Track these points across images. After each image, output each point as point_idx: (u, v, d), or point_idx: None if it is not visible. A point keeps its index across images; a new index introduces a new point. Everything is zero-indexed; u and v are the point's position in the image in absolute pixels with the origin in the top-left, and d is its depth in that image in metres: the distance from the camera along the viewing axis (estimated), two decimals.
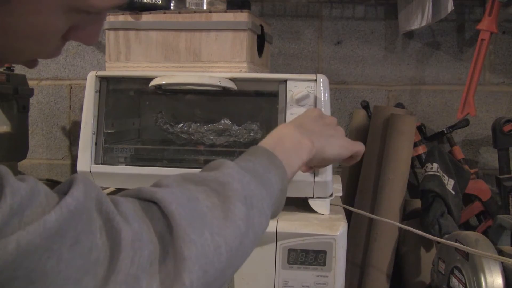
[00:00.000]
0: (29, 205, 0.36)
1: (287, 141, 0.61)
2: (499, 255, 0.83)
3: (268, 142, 0.61)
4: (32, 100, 1.48)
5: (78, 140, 0.94)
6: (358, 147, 0.71)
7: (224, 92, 0.94)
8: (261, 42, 1.09)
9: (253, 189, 0.51)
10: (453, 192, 1.18)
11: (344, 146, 0.69)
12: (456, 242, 0.89)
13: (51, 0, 0.38)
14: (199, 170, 0.80)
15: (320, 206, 0.90)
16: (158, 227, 0.43)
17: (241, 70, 0.97)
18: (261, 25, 1.08)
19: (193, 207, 0.45)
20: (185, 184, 0.49)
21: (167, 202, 0.44)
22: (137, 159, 0.97)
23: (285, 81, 0.90)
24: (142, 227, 0.42)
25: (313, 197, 0.89)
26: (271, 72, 1.20)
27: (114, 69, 1.02)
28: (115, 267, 0.39)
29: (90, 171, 0.93)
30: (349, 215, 1.04)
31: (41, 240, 0.35)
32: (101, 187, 0.96)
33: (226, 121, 0.98)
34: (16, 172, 1.38)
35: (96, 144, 0.94)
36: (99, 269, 0.38)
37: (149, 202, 0.45)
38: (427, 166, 1.21)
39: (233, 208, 0.47)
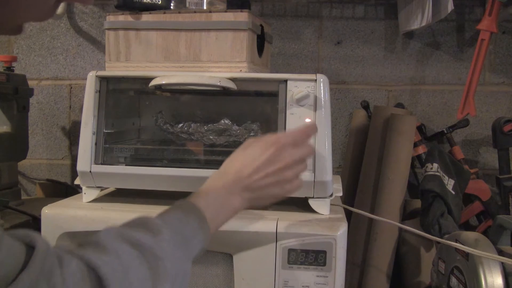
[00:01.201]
0: None
1: (219, 202, 0.65)
2: (499, 255, 0.83)
3: (201, 200, 0.64)
4: (32, 100, 1.48)
5: (78, 140, 0.94)
6: (295, 190, 0.73)
7: (224, 92, 0.94)
8: (261, 42, 1.09)
9: (181, 266, 0.55)
10: (453, 192, 1.18)
11: (276, 197, 0.72)
12: (456, 242, 0.89)
13: None
14: (199, 170, 0.79)
15: (320, 206, 0.90)
16: None
17: (241, 70, 0.97)
18: (261, 25, 1.08)
19: (128, 283, 0.48)
20: (122, 245, 0.50)
21: (107, 282, 0.46)
22: (137, 159, 0.97)
23: (285, 81, 0.90)
24: None
25: (313, 197, 0.89)
26: (271, 72, 1.20)
27: (114, 69, 1.02)
28: None
29: (90, 171, 0.93)
30: (349, 215, 1.04)
31: None
32: (101, 187, 0.97)
33: (226, 121, 0.98)
34: (16, 172, 1.38)
35: (96, 144, 0.94)
36: None
37: (91, 269, 0.46)
38: (427, 166, 1.21)
39: None
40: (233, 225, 0.84)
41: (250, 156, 0.69)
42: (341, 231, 0.82)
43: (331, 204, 0.91)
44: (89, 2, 0.45)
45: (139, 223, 0.56)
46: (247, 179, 0.68)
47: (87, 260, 0.46)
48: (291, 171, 0.71)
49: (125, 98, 1.08)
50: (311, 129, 0.75)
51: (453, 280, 0.91)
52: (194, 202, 0.63)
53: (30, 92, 1.40)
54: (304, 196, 0.90)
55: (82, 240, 0.51)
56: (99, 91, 0.95)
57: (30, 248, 0.42)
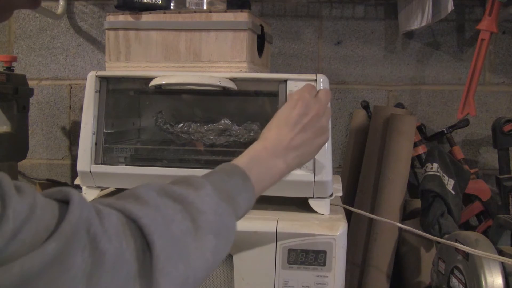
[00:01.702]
0: (30, 228, 0.37)
1: (262, 164, 0.65)
2: (499, 255, 0.83)
3: (244, 162, 0.63)
4: (32, 100, 1.48)
5: (78, 140, 0.94)
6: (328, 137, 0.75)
7: (224, 92, 0.94)
8: (261, 42, 1.09)
9: (225, 219, 0.54)
10: (453, 192, 1.18)
11: (321, 146, 0.73)
12: (456, 242, 0.89)
13: None
14: (199, 170, 0.79)
15: (320, 206, 0.90)
16: (139, 247, 0.45)
17: (241, 70, 0.97)
18: (261, 25, 1.08)
19: (170, 234, 0.47)
20: (164, 199, 0.50)
21: (149, 230, 0.45)
22: (137, 159, 0.97)
23: (285, 81, 0.90)
24: (123, 247, 0.43)
25: (313, 197, 0.89)
26: (271, 72, 1.20)
27: (114, 69, 1.02)
28: (95, 284, 0.40)
29: (90, 171, 0.93)
30: (349, 215, 1.04)
31: (41, 266, 0.37)
32: (101, 187, 0.96)
33: (226, 121, 0.98)
34: (16, 172, 1.38)
35: (96, 144, 0.94)
36: (79, 285, 0.39)
37: (132, 221, 0.46)
38: (427, 166, 1.21)
39: (205, 240, 0.50)
40: None
41: (282, 117, 0.70)
42: (341, 231, 0.82)
43: (331, 204, 0.91)
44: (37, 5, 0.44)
45: (181, 181, 0.55)
46: (288, 137, 0.68)
47: (128, 211, 0.46)
48: (324, 117, 0.73)
49: (125, 98, 1.08)
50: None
51: (453, 280, 0.91)
52: (237, 163, 0.62)
53: (30, 92, 1.40)
54: (304, 196, 0.90)
55: (120, 194, 0.50)
56: (99, 91, 0.95)
57: (64, 204, 0.42)
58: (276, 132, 0.69)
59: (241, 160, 0.64)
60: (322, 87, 0.88)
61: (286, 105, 0.72)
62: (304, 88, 0.75)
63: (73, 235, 0.39)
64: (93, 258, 0.40)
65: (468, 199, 1.32)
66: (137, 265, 0.44)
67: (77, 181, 0.97)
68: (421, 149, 1.34)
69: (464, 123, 1.37)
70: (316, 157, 0.87)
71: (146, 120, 1.12)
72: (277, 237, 0.82)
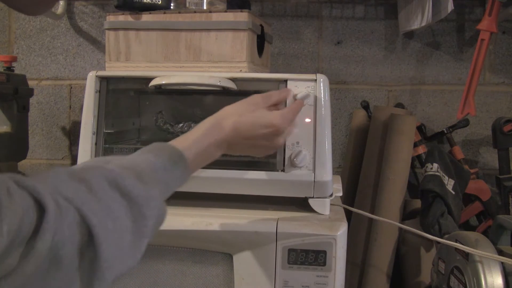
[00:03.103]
0: (17, 244, 0.40)
1: (204, 155, 0.69)
2: (499, 255, 0.83)
3: (191, 149, 0.66)
4: (32, 100, 1.48)
5: (78, 140, 0.94)
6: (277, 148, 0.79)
7: (224, 92, 0.94)
8: (261, 42, 1.09)
9: (161, 219, 0.57)
10: (453, 192, 1.18)
11: (251, 155, 0.79)
12: (456, 242, 0.89)
13: None
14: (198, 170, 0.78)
15: (320, 206, 0.90)
16: (84, 242, 0.46)
17: (241, 70, 0.97)
18: (261, 25, 1.08)
19: (113, 230, 0.49)
20: (114, 193, 0.51)
21: (95, 231, 0.46)
22: None
23: (285, 81, 0.90)
24: (74, 243, 0.45)
25: (313, 197, 0.89)
26: (271, 72, 1.20)
27: (114, 69, 1.02)
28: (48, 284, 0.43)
29: None
30: (349, 215, 1.04)
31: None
32: None
33: None
34: (16, 172, 1.38)
35: (96, 144, 0.94)
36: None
37: (83, 218, 0.47)
38: (427, 166, 1.21)
39: (140, 243, 0.52)
40: (233, 225, 0.84)
41: (250, 124, 0.73)
42: (341, 231, 0.82)
43: (331, 204, 0.91)
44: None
45: (133, 167, 0.56)
46: (238, 141, 0.72)
47: (84, 214, 0.46)
48: (272, 150, 0.79)
49: (125, 98, 1.08)
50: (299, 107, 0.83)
51: (453, 280, 0.91)
52: (184, 151, 0.64)
53: (30, 92, 1.40)
54: (304, 196, 0.90)
55: (74, 171, 0.51)
56: (99, 91, 0.95)
57: (40, 207, 0.43)
58: (235, 128, 0.72)
59: (189, 146, 0.66)
60: (322, 87, 0.88)
61: (264, 116, 0.74)
62: (287, 117, 0.76)
63: (45, 256, 0.42)
64: (50, 263, 0.42)
65: (468, 199, 1.32)
66: (80, 258, 0.45)
67: None
68: (421, 149, 1.34)
69: (464, 123, 1.37)
70: (316, 157, 0.87)
71: (146, 120, 1.12)
72: (277, 237, 0.82)
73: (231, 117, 0.72)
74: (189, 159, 0.64)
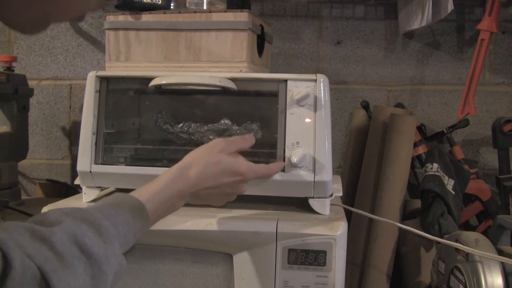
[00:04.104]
0: None
1: (166, 204, 0.68)
2: (499, 255, 0.83)
3: (153, 201, 0.65)
4: (32, 100, 1.49)
5: (78, 140, 0.94)
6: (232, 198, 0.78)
7: (224, 92, 0.94)
8: (261, 42, 1.08)
9: (120, 274, 0.57)
10: (453, 192, 1.18)
11: (214, 205, 0.77)
12: (456, 242, 0.89)
13: None
14: None
15: (320, 206, 0.90)
16: None
17: (241, 70, 0.97)
18: (261, 25, 1.07)
19: (74, 286, 0.49)
20: (73, 249, 0.51)
21: (53, 285, 0.47)
22: (137, 159, 0.97)
23: (285, 81, 0.90)
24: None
25: (313, 197, 0.89)
26: (271, 72, 1.20)
27: (114, 69, 1.02)
28: None
29: (90, 171, 0.93)
30: (349, 215, 1.04)
31: None
32: (101, 187, 0.96)
33: (226, 121, 0.98)
34: (16, 172, 1.38)
35: (96, 144, 0.94)
36: None
37: (42, 274, 0.48)
38: (427, 166, 1.21)
39: None
40: (233, 225, 0.84)
41: (216, 174, 0.72)
42: (341, 231, 0.82)
43: (331, 204, 0.91)
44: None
45: (91, 221, 0.55)
46: (202, 190, 0.72)
47: (44, 271, 0.47)
48: (235, 196, 0.78)
49: (125, 98, 1.08)
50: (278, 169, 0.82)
51: (453, 280, 0.91)
52: (145, 203, 0.64)
53: (30, 92, 1.40)
54: (304, 196, 0.90)
55: (36, 230, 0.51)
56: (99, 91, 0.95)
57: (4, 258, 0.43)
58: (199, 178, 0.71)
59: (151, 198, 0.65)
60: (322, 87, 0.88)
61: (229, 165, 0.73)
62: (253, 169, 0.76)
63: None
64: None
65: (468, 199, 1.32)
66: None
67: (77, 181, 0.97)
68: (421, 149, 1.34)
69: (464, 123, 1.37)
70: (316, 157, 0.87)
71: (146, 120, 1.12)
72: (277, 237, 0.82)
73: (195, 166, 0.72)
74: (150, 211, 0.64)
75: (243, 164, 0.75)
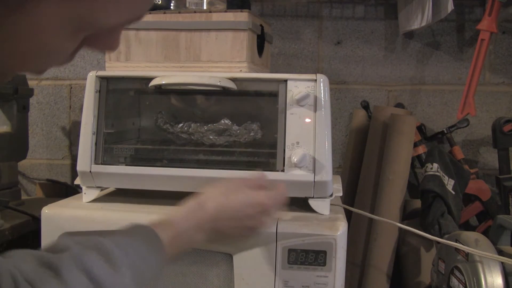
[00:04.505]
0: None
1: (184, 238, 0.65)
2: (499, 255, 0.83)
3: (169, 233, 0.63)
4: (32, 100, 1.48)
5: (78, 140, 0.94)
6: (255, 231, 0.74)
7: (224, 92, 0.94)
8: (261, 42, 1.08)
9: None
10: (453, 192, 1.18)
11: (237, 239, 0.76)
12: (456, 242, 0.89)
13: (54, 21, 0.34)
14: (199, 170, 0.79)
15: (320, 206, 0.90)
16: None
17: (241, 70, 0.97)
18: (261, 25, 1.07)
19: None
20: (80, 277, 0.50)
21: None
22: (137, 159, 0.97)
23: (285, 81, 0.90)
24: None
25: (313, 197, 0.89)
26: (271, 72, 1.20)
27: (114, 69, 1.02)
28: None
29: (90, 171, 0.93)
30: (349, 215, 1.04)
31: None
32: (101, 187, 0.96)
33: (226, 121, 0.98)
34: (16, 172, 1.38)
35: (96, 144, 0.94)
36: None
37: None
38: (427, 166, 1.21)
39: None
40: None
41: (235, 205, 0.70)
42: (341, 231, 0.82)
43: (331, 204, 0.91)
44: (113, 50, 0.41)
45: (101, 249, 0.54)
46: (223, 223, 0.69)
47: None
48: (258, 231, 0.74)
49: (125, 98, 1.08)
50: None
51: (453, 280, 0.91)
52: (160, 234, 0.62)
53: (30, 92, 1.40)
54: (304, 196, 0.90)
55: (45, 257, 0.50)
56: (99, 91, 0.95)
57: None
58: (218, 209, 0.68)
59: (167, 231, 0.63)
60: (322, 87, 0.88)
61: (248, 196, 0.71)
62: (273, 197, 0.73)
63: None
64: None
65: (468, 199, 1.32)
66: None
67: (77, 181, 0.97)
68: (421, 149, 1.34)
69: (464, 123, 1.37)
70: (316, 157, 0.87)
71: (146, 120, 1.12)
72: (277, 237, 0.82)
73: (215, 198, 0.70)
74: (165, 242, 0.62)
75: (263, 195, 0.72)
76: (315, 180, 0.87)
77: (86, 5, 0.33)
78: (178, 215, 0.66)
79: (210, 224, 0.68)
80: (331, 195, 0.91)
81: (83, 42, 0.38)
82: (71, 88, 1.59)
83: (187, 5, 1.06)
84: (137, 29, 1.01)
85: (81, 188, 0.97)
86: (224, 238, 0.72)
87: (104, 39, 0.38)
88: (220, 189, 0.72)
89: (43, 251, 0.51)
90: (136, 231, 0.61)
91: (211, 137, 0.98)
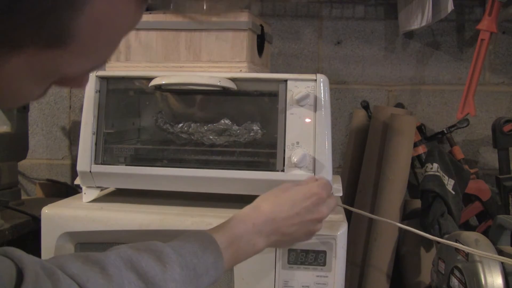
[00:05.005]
0: None
1: (243, 241, 0.63)
2: (499, 255, 0.83)
3: (225, 237, 0.62)
4: None
5: (78, 140, 0.94)
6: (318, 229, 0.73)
7: (224, 92, 0.94)
8: (261, 42, 1.08)
9: None
10: (453, 192, 1.18)
11: (302, 241, 0.72)
12: (456, 242, 0.89)
13: (24, 72, 0.36)
14: (199, 170, 0.79)
15: None
16: None
17: (241, 70, 0.97)
18: (261, 25, 1.07)
19: None
20: (129, 274, 0.50)
21: None
22: (137, 159, 0.97)
23: (285, 81, 0.90)
24: None
25: None
26: (271, 72, 1.20)
27: (114, 69, 1.02)
28: None
29: (90, 171, 0.93)
30: (349, 215, 1.04)
31: None
32: (101, 187, 0.96)
33: (226, 121, 0.98)
34: (16, 172, 1.38)
35: (96, 144, 0.94)
36: None
37: None
38: (427, 166, 1.21)
39: None
40: None
41: (290, 200, 0.68)
42: (341, 231, 0.82)
43: None
44: (81, 88, 0.44)
45: (153, 249, 0.54)
46: (281, 222, 0.67)
47: None
48: (321, 224, 0.72)
49: (125, 98, 1.08)
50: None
51: (453, 280, 0.91)
52: (216, 236, 0.61)
53: None
54: None
55: (90, 255, 0.50)
56: (99, 91, 0.95)
57: (19, 272, 0.43)
58: (274, 208, 0.67)
59: (223, 233, 0.62)
60: (322, 87, 0.88)
61: (300, 189, 0.70)
62: (324, 185, 0.73)
63: None
64: None
65: (468, 199, 1.32)
66: None
67: (77, 181, 0.97)
68: (421, 149, 1.34)
69: (464, 123, 1.37)
70: (316, 157, 0.87)
71: (146, 120, 1.12)
72: None
73: (268, 199, 0.68)
74: (222, 245, 0.60)
75: (314, 185, 0.72)
76: None
77: (52, 59, 0.35)
78: (233, 219, 0.65)
79: (269, 226, 0.66)
80: None
81: (52, 83, 0.40)
82: (71, 88, 1.59)
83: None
84: (137, 29, 1.01)
85: (81, 188, 0.97)
86: (289, 240, 0.70)
87: (72, 81, 0.41)
88: (271, 192, 0.71)
89: (92, 253, 0.51)
90: (190, 235, 0.60)
91: (211, 137, 0.98)
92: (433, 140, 1.41)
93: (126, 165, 0.95)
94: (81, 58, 0.36)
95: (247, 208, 0.67)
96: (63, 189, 1.55)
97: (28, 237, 1.14)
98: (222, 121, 0.98)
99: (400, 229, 1.23)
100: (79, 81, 0.41)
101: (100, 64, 0.40)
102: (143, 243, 0.55)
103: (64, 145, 1.60)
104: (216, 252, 0.59)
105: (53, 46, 0.34)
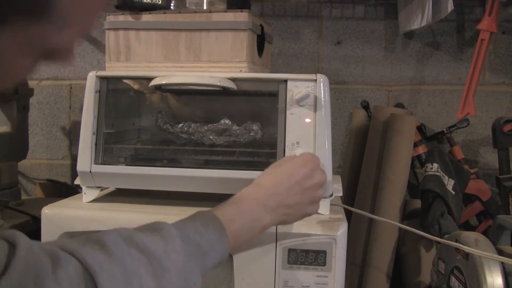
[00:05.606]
0: None
1: (247, 216, 0.63)
2: (499, 255, 0.83)
3: (228, 213, 0.61)
4: (32, 100, 1.48)
5: (78, 140, 0.94)
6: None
7: (224, 92, 0.94)
8: (261, 42, 1.09)
9: (189, 280, 0.53)
10: (453, 192, 1.18)
11: (307, 215, 0.73)
12: (456, 242, 0.89)
13: (11, 44, 0.37)
14: (199, 170, 0.79)
15: (320, 206, 0.90)
16: None
17: (241, 70, 0.97)
18: (261, 25, 1.08)
19: (124, 281, 0.47)
20: (130, 250, 0.50)
21: (94, 272, 0.45)
22: (137, 159, 0.97)
23: (285, 81, 0.90)
24: None
25: None
26: (271, 72, 1.20)
27: (114, 69, 1.02)
28: None
29: (90, 171, 0.93)
30: (349, 215, 1.04)
31: None
32: (101, 187, 0.97)
33: (226, 121, 0.98)
34: (16, 172, 1.38)
35: (96, 144, 0.94)
36: None
37: (89, 274, 0.46)
38: (427, 166, 1.21)
39: None
40: None
41: (287, 172, 0.69)
42: (341, 231, 0.82)
43: (331, 204, 0.91)
44: (71, 61, 0.44)
45: (153, 228, 0.54)
46: (284, 194, 0.67)
47: (87, 263, 0.46)
48: (322, 190, 0.73)
49: (125, 98, 1.08)
50: None
51: (453, 280, 0.91)
52: (216, 213, 0.60)
53: (30, 92, 1.40)
54: None
55: (90, 235, 0.50)
56: (99, 91, 0.95)
57: (12, 247, 0.43)
58: (274, 182, 0.67)
59: (225, 210, 0.62)
60: (322, 87, 0.88)
61: (295, 160, 0.71)
62: (314, 155, 0.75)
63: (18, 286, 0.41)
64: None
65: (468, 199, 1.32)
66: None
67: (77, 181, 0.97)
68: (421, 149, 1.34)
69: (464, 123, 1.37)
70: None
71: (146, 120, 1.12)
72: (277, 237, 0.82)
73: (266, 175, 0.69)
74: (225, 222, 0.59)
75: (303, 154, 0.73)
76: None
77: (37, 32, 0.37)
78: (235, 198, 0.65)
79: (272, 200, 0.66)
80: (331, 195, 0.91)
81: (40, 58, 0.41)
82: (71, 88, 1.59)
83: (187, 5, 1.06)
84: (137, 29, 1.01)
85: (81, 188, 0.97)
86: (296, 214, 0.70)
87: (59, 55, 0.41)
88: (266, 170, 0.72)
89: (93, 234, 0.51)
90: (190, 216, 0.60)
91: (211, 137, 0.98)
92: (433, 140, 1.41)
93: (126, 165, 0.95)
94: (64, 29, 0.38)
95: (247, 187, 0.68)
96: (63, 189, 1.55)
97: (28, 237, 1.13)
98: (222, 121, 0.98)
99: (400, 229, 1.23)
100: (67, 55, 0.42)
101: (83, 34, 0.42)
102: (145, 224, 0.56)
103: (64, 145, 1.60)
104: (219, 229, 0.59)
105: (36, 18, 0.36)
